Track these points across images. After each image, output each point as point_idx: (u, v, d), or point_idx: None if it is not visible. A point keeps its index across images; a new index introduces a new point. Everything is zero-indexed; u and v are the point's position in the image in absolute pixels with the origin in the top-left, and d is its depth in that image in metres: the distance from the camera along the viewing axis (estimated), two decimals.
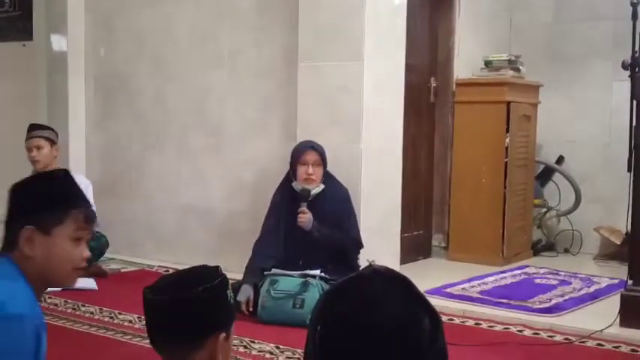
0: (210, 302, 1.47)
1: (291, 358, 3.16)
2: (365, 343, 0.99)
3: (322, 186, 3.94)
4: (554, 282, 4.66)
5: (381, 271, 1.07)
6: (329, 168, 4.00)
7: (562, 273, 4.91)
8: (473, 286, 4.45)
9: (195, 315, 1.46)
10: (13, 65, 5.86)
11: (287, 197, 3.99)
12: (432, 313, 1.03)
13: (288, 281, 3.72)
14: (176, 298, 1.45)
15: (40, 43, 5.63)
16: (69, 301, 3.91)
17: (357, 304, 1.03)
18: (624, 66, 3.55)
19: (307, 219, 3.85)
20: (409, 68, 4.64)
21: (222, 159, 4.88)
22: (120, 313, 3.78)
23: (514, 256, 5.31)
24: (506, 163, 5.15)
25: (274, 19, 4.62)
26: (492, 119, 5.19)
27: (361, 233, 4.00)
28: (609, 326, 3.46)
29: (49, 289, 1.90)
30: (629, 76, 3.55)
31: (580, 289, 4.44)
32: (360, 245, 3.97)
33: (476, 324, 3.75)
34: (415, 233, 5.33)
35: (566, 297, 4.23)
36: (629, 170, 3.56)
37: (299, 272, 3.76)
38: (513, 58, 5.37)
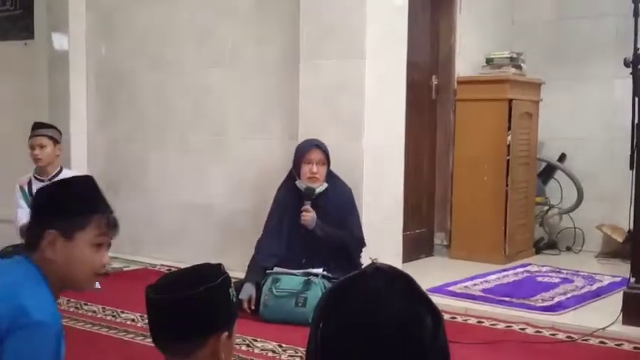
0: (213, 301, 1.47)
1: (293, 356, 3.16)
2: (367, 341, 0.99)
3: (326, 185, 3.93)
4: (557, 280, 4.65)
5: (383, 269, 1.07)
6: (331, 166, 4.00)
7: (564, 271, 4.91)
8: (475, 284, 4.45)
9: (198, 314, 1.46)
10: (15, 64, 5.87)
11: (290, 195, 3.98)
12: (434, 312, 1.03)
13: (290, 280, 3.72)
14: (178, 298, 1.45)
15: (42, 41, 5.63)
16: (71, 300, 3.92)
17: (359, 302, 1.03)
18: (626, 63, 3.54)
19: (311, 217, 3.85)
20: (411, 66, 4.63)
21: (223, 157, 4.88)
22: (122, 312, 3.78)
23: (516, 254, 5.30)
24: (508, 160, 5.15)
25: (275, 17, 4.61)
26: (494, 117, 5.18)
27: (363, 231, 4.00)
28: (612, 324, 3.46)
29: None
30: (631, 74, 3.55)
31: (582, 287, 4.43)
32: (362, 244, 3.97)
33: (478, 322, 3.75)
34: (417, 231, 5.33)
35: (569, 295, 4.22)
36: (631, 168, 3.55)
37: (301, 271, 3.76)
38: (515, 56, 5.37)
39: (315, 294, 3.58)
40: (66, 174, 4.17)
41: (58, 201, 1.74)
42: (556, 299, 4.11)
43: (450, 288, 4.32)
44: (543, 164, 5.89)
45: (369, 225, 4.09)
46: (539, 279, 4.70)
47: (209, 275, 1.49)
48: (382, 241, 4.26)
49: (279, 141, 4.57)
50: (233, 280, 1.58)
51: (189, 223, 5.03)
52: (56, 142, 4.32)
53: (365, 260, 3.90)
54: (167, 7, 5.14)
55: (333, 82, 4.26)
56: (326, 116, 4.27)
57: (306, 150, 3.94)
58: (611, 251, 5.38)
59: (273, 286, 3.71)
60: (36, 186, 4.16)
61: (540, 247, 5.67)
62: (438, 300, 3.74)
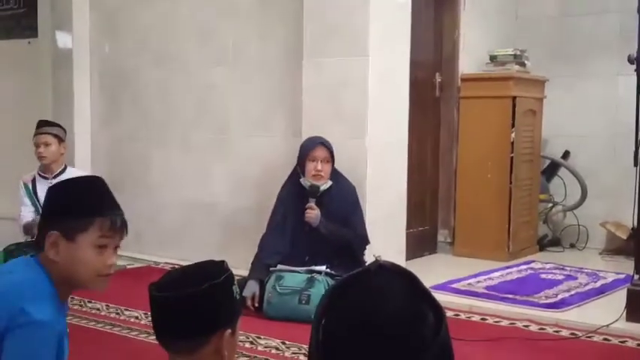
0: (216, 299, 1.47)
1: (297, 353, 3.17)
2: (368, 337, 0.99)
3: (330, 182, 3.93)
4: (560, 277, 4.65)
5: (386, 266, 1.07)
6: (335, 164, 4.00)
7: (568, 268, 4.91)
8: (479, 282, 4.45)
9: (201, 311, 1.46)
10: (19, 63, 5.88)
11: (294, 193, 3.99)
12: (437, 309, 1.03)
13: (294, 277, 3.72)
14: (181, 295, 1.45)
15: (45, 40, 5.64)
16: (75, 297, 3.92)
17: (361, 299, 1.03)
18: (630, 60, 3.54)
19: (315, 215, 3.85)
20: (414, 63, 4.63)
21: (226, 155, 4.89)
22: (126, 310, 3.79)
23: (520, 252, 5.30)
24: (511, 158, 5.15)
25: (278, 15, 4.61)
26: (498, 114, 5.18)
27: (367, 229, 4.00)
28: (615, 321, 3.45)
29: None
30: (635, 71, 3.54)
31: (586, 284, 4.43)
32: (366, 241, 3.97)
33: (482, 319, 3.75)
34: (421, 229, 5.32)
35: (572, 292, 4.22)
36: (635, 165, 3.54)
37: (305, 268, 3.76)
38: (519, 53, 5.36)
39: (318, 291, 3.58)
40: (70, 172, 4.18)
41: (60, 202, 1.73)
42: (560, 296, 4.10)
43: (454, 285, 4.32)
44: (547, 161, 5.88)
45: (372, 222, 4.09)
46: (543, 276, 4.70)
47: (212, 273, 1.49)
48: (386, 239, 4.26)
49: (283, 138, 4.57)
50: (236, 278, 1.58)
51: (193, 221, 5.04)
52: (61, 140, 4.33)
53: (368, 258, 3.90)
54: (170, 6, 5.14)
55: (337, 79, 4.26)
56: (329, 114, 4.27)
57: (311, 148, 3.94)
58: (614, 248, 5.37)
59: (277, 284, 3.71)
60: (40, 184, 4.17)
61: (544, 244, 5.66)
62: (441, 297, 3.76)
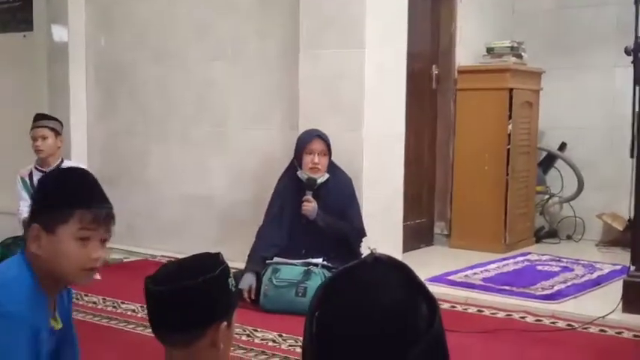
0: (211, 292, 1.47)
1: (293, 346, 3.17)
2: (362, 329, 0.99)
3: (327, 175, 3.93)
4: (557, 269, 4.66)
5: (382, 259, 1.07)
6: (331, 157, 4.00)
7: (564, 259, 4.91)
8: (475, 274, 4.45)
9: (197, 304, 1.46)
10: (14, 56, 5.86)
11: (291, 186, 3.99)
12: (430, 300, 1.03)
13: (290, 270, 3.73)
14: (177, 289, 1.45)
15: (41, 33, 5.62)
16: (71, 290, 3.92)
17: (355, 291, 1.03)
18: (627, 52, 3.53)
19: (312, 208, 3.85)
20: (411, 55, 4.62)
21: (224, 148, 4.88)
22: (123, 303, 3.79)
23: (516, 243, 5.31)
24: (508, 150, 5.15)
25: (275, 8, 4.60)
26: (494, 106, 5.18)
27: (364, 221, 4.00)
28: (612, 312, 3.46)
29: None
30: (632, 62, 3.53)
31: (582, 276, 4.44)
32: (363, 234, 3.97)
33: (478, 311, 3.75)
34: (417, 221, 5.33)
35: (569, 283, 4.23)
36: (631, 156, 3.55)
37: (301, 261, 3.76)
38: (515, 45, 5.35)
39: (315, 284, 3.58)
40: (67, 165, 4.18)
41: (41, 194, 1.71)
42: (556, 288, 4.11)
43: (450, 277, 4.32)
44: (544, 153, 5.89)
45: (369, 215, 4.09)
46: (540, 268, 4.71)
47: (208, 265, 1.49)
48: (382, 231, 4.27)
49: (280, 131, 4.57)
50: (233, 271, 1.58)
51: (190, 214, 5.03)
52: (58, 133, 4.33)
53: (365, 250, 3.91)
54: (167, 0, 5.13)
55: (333, 72, 4.25)
56: (326, 106, 4.26)
57: (308, 140, 3.94)
58: (611, 240, 5.39)
59: (273, 276, 3.71)
60: (37, 177, 4.17)
61: (541, 235, 5.67)
62: (438, 289, 3.78)
